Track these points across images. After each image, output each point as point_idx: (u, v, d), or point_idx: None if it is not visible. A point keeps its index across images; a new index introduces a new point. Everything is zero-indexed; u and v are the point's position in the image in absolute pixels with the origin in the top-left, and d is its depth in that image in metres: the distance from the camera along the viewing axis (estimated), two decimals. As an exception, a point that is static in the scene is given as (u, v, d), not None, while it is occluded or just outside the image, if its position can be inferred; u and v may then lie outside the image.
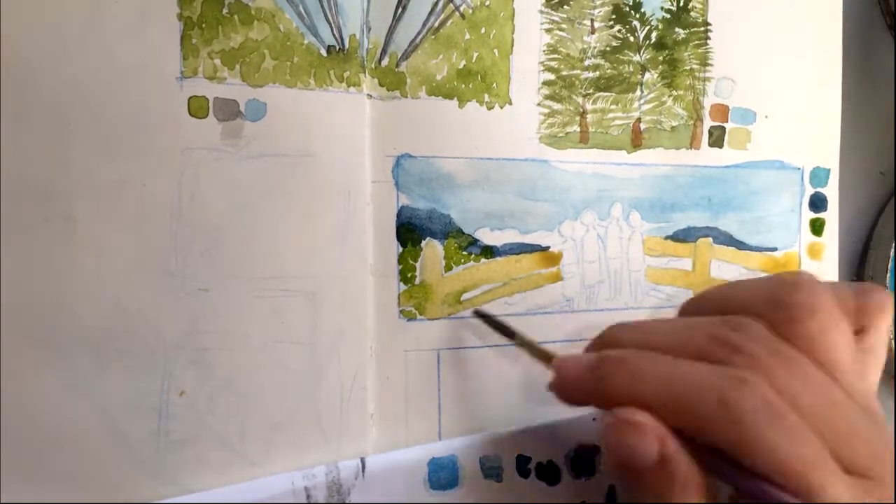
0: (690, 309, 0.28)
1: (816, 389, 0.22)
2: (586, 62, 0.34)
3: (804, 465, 0.21)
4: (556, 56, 0.33)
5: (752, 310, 0.24)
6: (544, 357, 0.28)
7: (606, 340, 0.26)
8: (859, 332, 0.25)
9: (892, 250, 0.39)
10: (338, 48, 0.30)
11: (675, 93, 0.35)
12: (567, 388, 0.25)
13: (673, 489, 0.22)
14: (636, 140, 0.34)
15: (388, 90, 0.31)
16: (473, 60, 0.32)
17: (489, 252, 0.32)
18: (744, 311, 0.24)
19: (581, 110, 0.34)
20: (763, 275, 0.36)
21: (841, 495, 0.21)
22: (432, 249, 0.31)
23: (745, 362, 0.22)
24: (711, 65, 0.35)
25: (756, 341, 0.23)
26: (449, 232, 0.32)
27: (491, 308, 0.32)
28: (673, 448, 0.22)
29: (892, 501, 0.21)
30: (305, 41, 0.29)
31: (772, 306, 0.24)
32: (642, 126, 0.35)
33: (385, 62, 0.31)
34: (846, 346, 0.24)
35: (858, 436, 0.22)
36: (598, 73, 0.34)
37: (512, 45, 0.32)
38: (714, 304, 0.26)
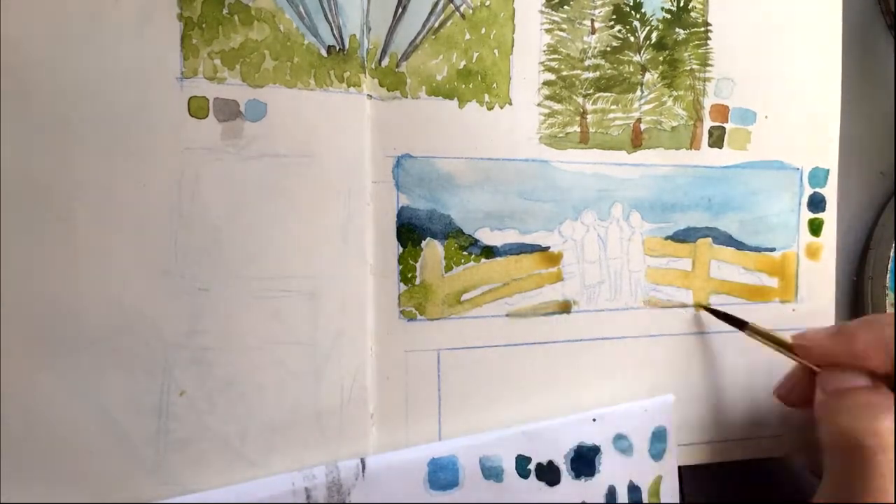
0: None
1: None
2: (586, 62, 0.34)
3: None
4: (556, 56, 0.33)
5: None
6: (780, 343, 0.32)
7: (808, 341, 0.31)
8: None
9: (892, 250, 0.39)
10: (338, 48, 0.30)
11: (675, 93, 0.35)
12: (813, 354, 0.31)
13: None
14: (636, 140, 0.34)
15: (389, 90, 0.31)
16: (473, 60, 0.32)
17: (489, 252, 0.32)
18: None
19: (581, 110, 0.34)
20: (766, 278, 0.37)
21: None
22: (432, 250, 0.31)
23: None
24: (711, 65, 0.35)
25: None
26: (449, 232, 0.32)
27: (491, 308, 0.32)
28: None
29: None
30: (305, 41, 0.29)
31: None
32: (642, 126, 0.35)
33: (385, 62, 0.31)
34: None
35: None
36: (598, 73, 0.34)
37: (512, 46, 0.32)
38: None
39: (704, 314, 0.35)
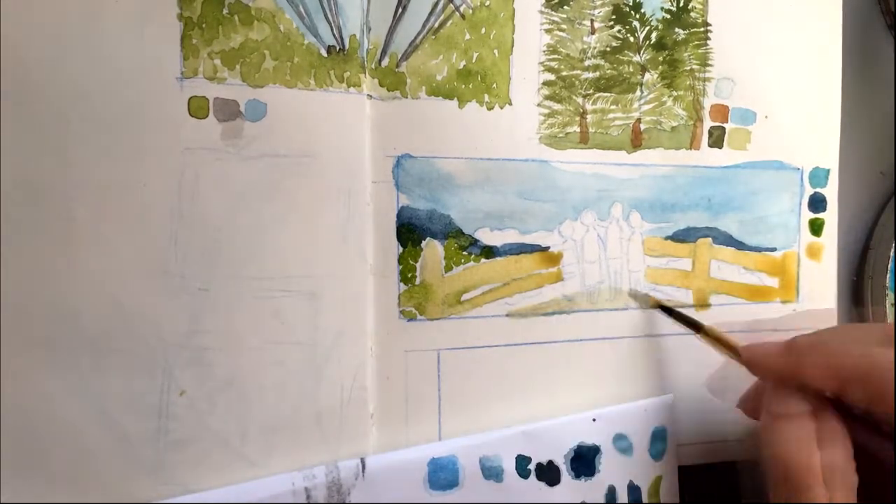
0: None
1: None
2: (586, 62, 0.34)
3: None
4: (556, 56, 0.33)
5: None
6: (730, 348, 0.31)
7: (757, 356, 0.30)
8: None
9: (892, 250, 0.39)
10: (338, 48, 0.30)
11: (675, 93, 0.35)
12: (760, 369, 0.30)
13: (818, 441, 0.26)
14: (636, 140, 0.34)
15: (389, 90, 0.31)
16: (473, 61, 0.32)
17: (489, 252, 0.32)
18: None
19: (581, 110, 0.34)
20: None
21: None
22: (432, 250, 0.31)
23: None
24: (711, 65, 0.35)
25: None
26: (449, 232, 0.32)
27: (491, 308, 0.32)
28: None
29: None
30: (305, 41, 0.29)
31: None
32: (642, 126, 0.35)
33: (385, 62, 0.31)
34: None
35: None
36: (598, 73, 0.34)
37: (512, 46, 0.32)
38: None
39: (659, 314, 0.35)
